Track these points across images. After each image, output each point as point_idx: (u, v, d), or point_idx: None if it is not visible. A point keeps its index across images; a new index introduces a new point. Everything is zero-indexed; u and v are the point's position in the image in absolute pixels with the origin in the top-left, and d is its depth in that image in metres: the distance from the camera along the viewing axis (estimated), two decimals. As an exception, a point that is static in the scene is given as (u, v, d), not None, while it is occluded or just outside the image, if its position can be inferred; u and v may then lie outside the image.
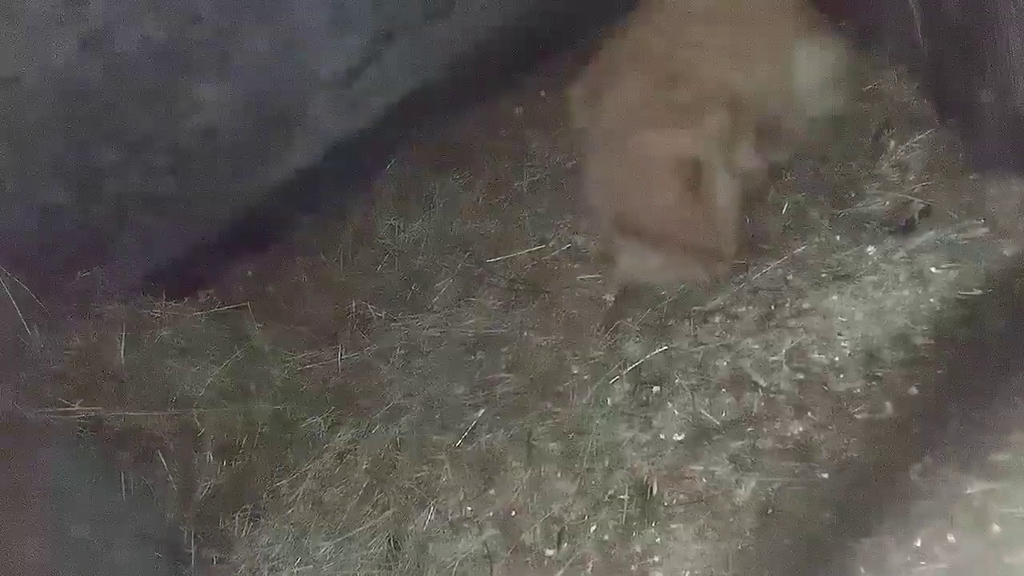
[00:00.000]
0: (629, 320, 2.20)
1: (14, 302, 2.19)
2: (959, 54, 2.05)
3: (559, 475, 2.02)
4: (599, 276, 2.32)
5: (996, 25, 1.88)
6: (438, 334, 2.34)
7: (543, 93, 2.74)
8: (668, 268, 2.19)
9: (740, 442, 1.94)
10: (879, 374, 1.94)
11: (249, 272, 2.66)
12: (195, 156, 2.48)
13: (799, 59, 2.26)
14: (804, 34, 2.29)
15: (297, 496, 2.14)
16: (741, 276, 2.18)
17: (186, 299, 2.46)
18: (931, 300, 2.00)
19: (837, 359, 1.99)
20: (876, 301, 2.03)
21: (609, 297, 2.27)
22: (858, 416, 1.91)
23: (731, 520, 1.85)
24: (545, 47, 2.70)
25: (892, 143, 2.24)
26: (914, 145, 2.21)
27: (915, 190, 2.16)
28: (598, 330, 2.22)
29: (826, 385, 1.97)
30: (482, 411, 2.17)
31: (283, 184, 2.64)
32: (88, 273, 2.39)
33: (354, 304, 2.45)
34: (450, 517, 2.03)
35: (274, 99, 2.51)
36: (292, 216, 2.73)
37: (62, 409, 2.10)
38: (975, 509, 1.67)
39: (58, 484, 1.99)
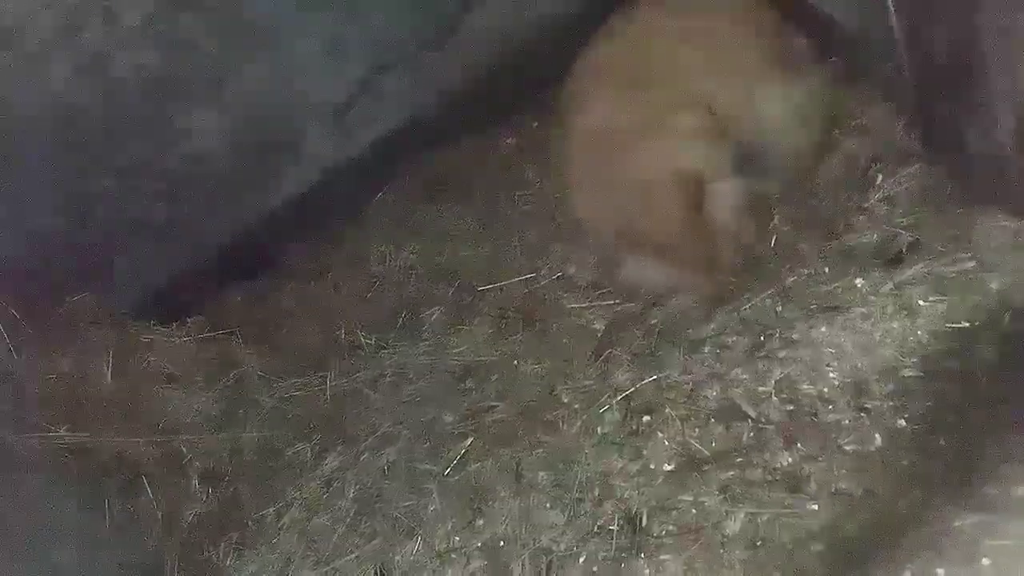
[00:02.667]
0: (619, 349, 2.20)
1: (1, 326, 2.18)
2: (945, 91, 2.08)
3: (548, 505, 2.01)
4: (590, 304, 2.32)
5: (981, 62, 1.91)
6: (428, 362, 2.34)
7: (535, 124, 2.76)
8: (668, 279, 2.18)
9: (730, 473, 1.93)
10: (868, 406, 1.94)
11: (239, 298, 2.66)
12: (187, 183, 2.49)
13: (777, 86, 2.28)
14: (782, 61, 2.31)
15: (283, 525, 2.12)
16: (731, 305, 2.18)
17: (175, 325, 2.45)
18: (919, 332, 2.00)
19: (826, 390, 1.99)
20: (865, 333, 2.04)
21: (599, 326, 2.28)
22: (847, 448, 1.90)
23: (721, 551, 1.84)
24: (537, 79, 2.73)
25: (880, 177, 2.26)
26: (902, 179, 2.23)
27: (903, 223, 2.17)
28: (588, 359, 2.22)
29: (815, 416, 1.97)
30: (471, 440, 2.15)
31: (275, 211, 2.65)
32: (77, 298, 2.38)
33: (344, 331, 2.45)
34: (437, 547, 2.01)
35: (268, 127, 2.52)
36: (283, 243, 2.74)
37: (47, 434, 2.08)
38: (965, 542, 1.66)
39: (42, 510, 1.97)
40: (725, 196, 2.13)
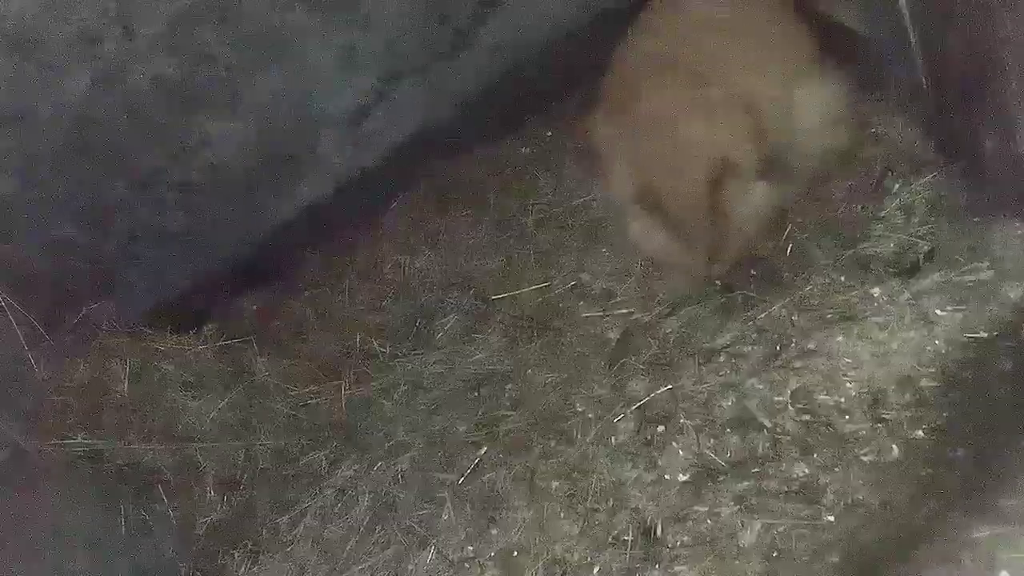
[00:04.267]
0: (634, 358, 2.20)
1: (19, 333, 2.19)
2: (962, 99, 2.07)
3: (562, 515, 2.00)
4: (604, 313, 2.32)
5: (998, 70, 1.90)
6: (442, 370, 2.34)
7: (549, 133, 2.76)
8: (670, 250, 2.17)
9: (745, 483, 1.92)
10: (885, 416, 1.93)
11: (254, 306, 2.67)
12: (204, 191, 2.50)
13: (802, 93, 2.26)
14: (809, 65, 2.29)
15: (297, 533, 2.12)
16: (747, 315, 2.18)
17: (191, 333, 2.46)
18: (937, 342, 1.99)
19: (843, 400, 1.98)
20: (882, 343, 2.03)
21: (614, 335, 2.27)
22: (864, 458, 1.89)
23: (736, 562, 1.83)
24: (551, 88, 2.73)
25: (897, 186, 2.25)
26: (919, 188, 2.22)
27: (920, 232, 2.16)
28: (603, 368, 2.21)
29: (832, 427, 1.96)
30: (485, 449, 2.15)
31: (290, 220, 2.65)
32: (94, 306, 2.40)
33: (358, 339, 2.45)
34: (451, 557, 2.01)
35: (283, 136, 2.53)
36: (299, 251, 2.75)
37: (64, 441, 2.10)
38: (983, 554, 1.65)
39: (58, 516, 1.98)
40: (753, 195, 2.11)
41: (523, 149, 2.78)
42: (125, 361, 2.28)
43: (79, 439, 2.11)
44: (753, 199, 2.12)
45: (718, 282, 2.25)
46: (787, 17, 2.34)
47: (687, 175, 2.05)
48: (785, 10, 2.35)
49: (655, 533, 1.91)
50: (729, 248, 2.14)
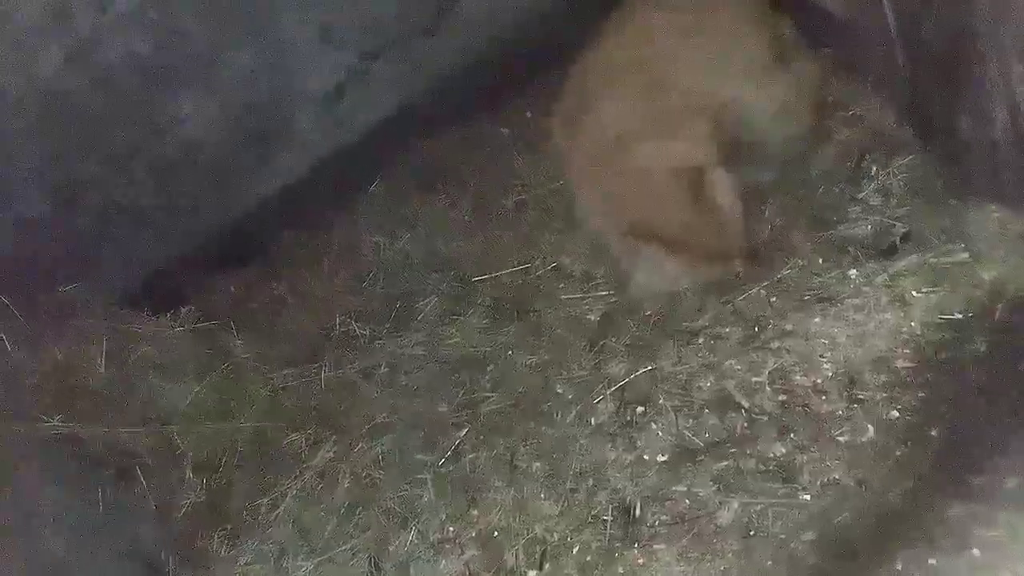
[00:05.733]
0: (614, 340, 2.21)
1: (-8, 315, 2.16)
2: (939, 81, 2.08)
3: (542, 495, 2.02)
4: (584, 295, 2.32)
5: (975, 53, 1.92)
6: (422, 352, 2.33)
7: (529, 113, 2.75)
8: (686, 273, 2.19)
9: (723, 463, 1.95)
10: (861, 397, 1.95)
11: (232, 288, 2.64)
12: (178, 170, 2.47)
13: (770, 76, 2.29)
14: (778, 52, 2.32)
15: (277, 515, 2.12)
16: (725, 296, 2.19)
17: (168, 314, 2.43)
18: (912, 324, 2.01)
19: (819, 381, 2.01)
20: (858, 324, 2.05)
21: (594, 317, 2.28)
22: (840, 438, 1.91)
23: (714, 541, 1.85)
24: (531, 68, 2.71)
25: (874, 168, 2.27)
26: (896, 170, 2.24)
27: (897, 214, 2.18)
28: (583, 350, 2.22)
29: (808, 407, 1.98)
30: (465, 430, 2.16)
31: (267, 199, 2.63)
32: (69, 287, 2.36)
33: (337, 321, 2.43)
34: (432, 538, 2.02)
35: (259, 114, 2.50)
36: (276, 232, 2.72)
37: (40, 424, 2.07)
38: (956, 532, 1.68)
39: (34, 500, 1.96)
40: (724, 182, 2.13)
41: (502, 129, 2.77)
42: (101, 343, 2.24)
43: (55, 422, 2.07)
44: (723, 187, 2.14)
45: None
46: (753, 10, 2.37)
47: (668, 198, 2.08)
48: (741, 4, 2.37)
49: (634, 513, 1.93)
50: (732, 240, 2.16)
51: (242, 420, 2.23)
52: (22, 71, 2.15)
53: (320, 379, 2.32)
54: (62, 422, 2.08)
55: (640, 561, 1.87)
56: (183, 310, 2.46)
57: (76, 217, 2.42)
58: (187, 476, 2.15)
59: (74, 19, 2.13)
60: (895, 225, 2.17)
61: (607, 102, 2.26)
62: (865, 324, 2.04)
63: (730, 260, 2.17)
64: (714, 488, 1.92)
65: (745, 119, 2.27)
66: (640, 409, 2.08)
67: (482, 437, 2.13)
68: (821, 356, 2.04)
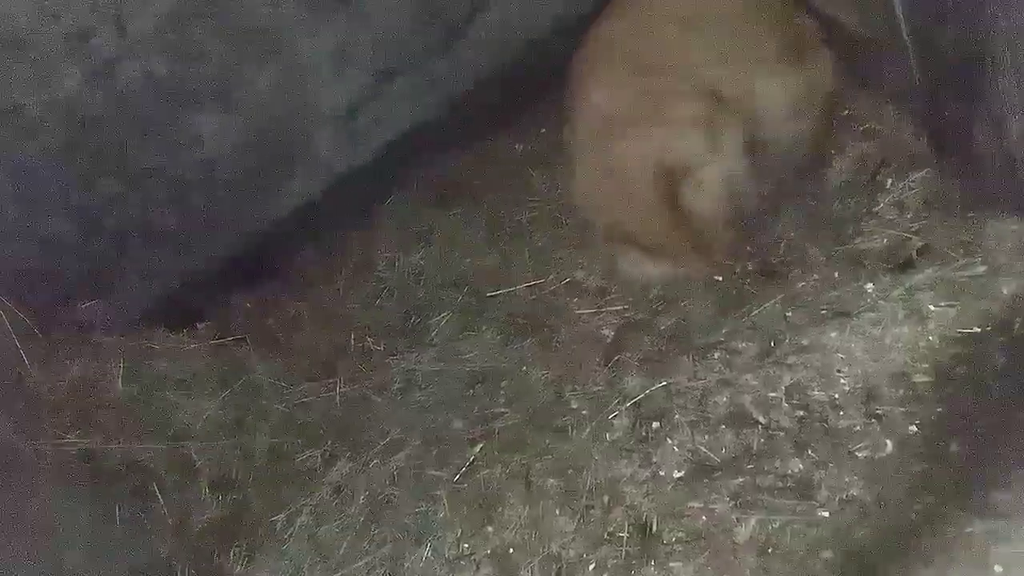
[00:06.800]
0: (628, 355, 2.20)
1: (13, 333, 2.18)
2: (954, 94, 2.07)
3: (558, 512, 2.00)
4: (599, 310, 2.32)
5: (990, 66, 1.91)
6: (437, 368, 2.34)
7: (543, 130, 2.76)
8: (665, 272, 2.19)
9: (740, 479, 1.93)
10: (879, 412, 1.93)
11: (248, 304, 2.65)
12: (196, 189, 2.49)
13: (783, 72, 2.27)
14: (789, 46, 2.29)
15: (293, 531, 2.12)
16: (741, 311, 2.18)
17: (185, 331, 2.45)
18: (930, 338, 1.99)
19: (837, 396, 1.99)
20: (875, 338, 2.03)
21: (608, 332, 2.27)
22: (858, 454, 1.89)
23: (731, 558, 1.83)
24: (544, 84, 2.72)
25: (889, 181, 2.26)
26: (911, 183, 2.23)
27: (913, 228, 2.17)
28: (597, 365, 2.22)
29: (826, 422, 1.96)
30: (480, 446, 2.15)
31: (284, 217, 2.64)
32: (88, 305, 2.39)
33: (353, 337, 2.44)
34: (447, 554, 2.01)
35: (276, 133, 2.52)
36: (292, 249, 2.74)
37: (58, 441, 2.09)
38: (977, 549, 1.66)
39: (52, 516, 1.97)
40: (711, 183, 2.11)
41: (517, 146, 2.78)
42: (119, 360, 2.27)
43: (73, 439, 2.09)
44: (707, 184, 2.13)
45: (748, 266, 2.24)
46: (769, 5, 2.34)
47: (643, 205, 2.09)
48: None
49: (650, 529, 1.91)
50: (711, 240, 2.15)
51: (258, 436, 2.24)
52: (43, 92, 2.18)
53: (335, 395, 2.32)
54: (79, 438, 2.10)
55: (657, 578, 1.86)
56: (200, 327, 2.48)
57: (96, 236, 2.45)
58: (203, 492, 2.16)
59: (94, 41, 2.16)
60: (911, 238, 2.15)
61: (599, 84, 2.25)
62: (882, 338, 2.03)
63: (711, 257, 2.14)
64: (731, 504, 1.90)
65: (749, 112, 2.23)
66: (656, 425, 2.07)
67: (497, 453, 2.13)
68: (838, 371, 2.02)
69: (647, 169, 2.08)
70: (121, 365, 2.26)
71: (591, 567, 1.91)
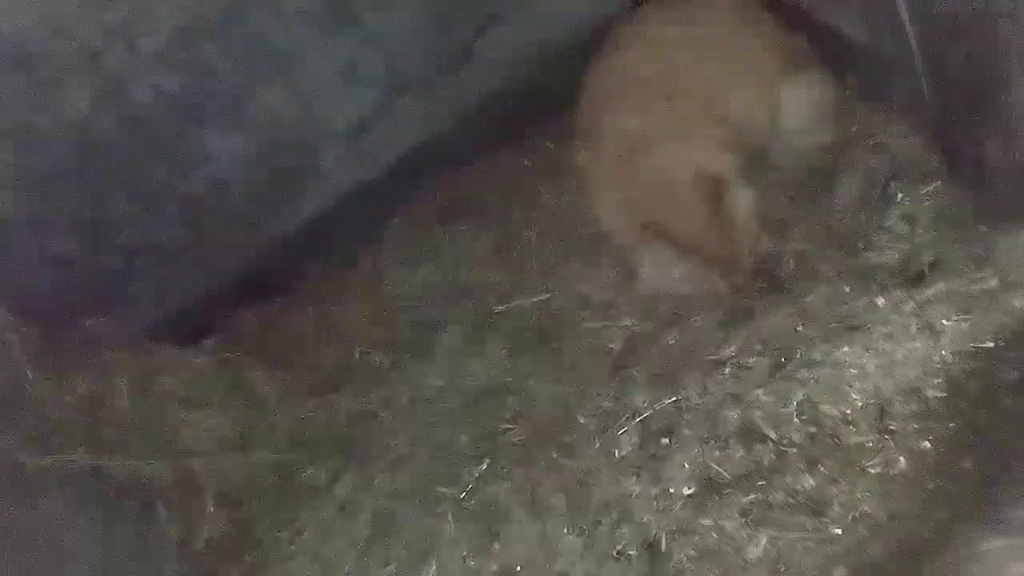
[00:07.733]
0: (636, 370, 2.18)
1: (19, 349, 2.19)
2: (965, 107, 2.06)
3: (565, 529, 1.98)
4: (606, 325, 2.31)
5: (1001, 79, 1.89)
6: (443, 383, 2.33)
7: (551, 145, 2.76)
8: (690, 278, 2.18)
9: (751, 496, 1.90)
10: (891, 427, 1.90)
11: (255, 320, 2.66)
12: (206, 206, 2.51)
13: (786, 89, 2.31)
14: (792, 70, 2.34)
15: (297, 548, 2.11)
16: (750, 325, 2.16)
17: (192, 347, 2.45)
18: (943, 352, 1.97)
19: (848, 412, 1.96)
20: (887, 353, 2.00)
21: (616, 346, 2.26)
22: (871, 470, 1.86)
23: (742, 576, 1.81)
24: (552, 100, 2.73)
25: (900, 195, 2.24)
26: (922, 197, 2.21)
27: (924, 242, 2.14)
28: (605, 380, 2.20)
29: (838, 438, 1.94)
30: (487, 462, 2.14)
31: (293, 233, 2.66)
32: (95, 321, 2.40)
33: (359, 352, 2.44)
34: (453, 572, 1.99)
35: (286, 150, 2.54)
36: (301, 265, 2.75)
37: (64, 457, 2.08)
38: (991, 566, 1.62)
39: (58, 532, 1.97)
40: (746, 200, 2.12)
41: (525, 161, 2.79)
42: (124, 376, 2.27)
43: (79, 455, 2.09)
44: (742, 203, 2.15)
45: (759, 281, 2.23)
46: (762, 26, 2.40)
47: (682, 200, 2.08)
48: (760, 20, 2.41)
49: (660, 547, 1.89)
50: (743, 256, 2.15)
51: (264, 452, 2.23)
52: (53, 110, 2.20)
53: (341, 411, 2.32)
54: (86, 454, 2.10)
55: (666, 597, 1.83)
56: (207, 342, 2.48)
57: (104, 253, 2.46)
58: (209, 508, 2.15)
59: (104, 59, 2.18)
60: (923, 252, 2.12)
61: (627, 106, 2.26)
62: (894, 353, 2.00)
63: (735, 274, 2.15)
64: (742, 522, 1.87)
65: (759, 131, 2.28)
66: (665, 441, 2.05)
67: (504, 469, 2.11)
68: (850, 386, 1.99)
69: (688, 170, 2.10)
70: (127, 381, 2.26)
71: (600, 585, 1.88)
